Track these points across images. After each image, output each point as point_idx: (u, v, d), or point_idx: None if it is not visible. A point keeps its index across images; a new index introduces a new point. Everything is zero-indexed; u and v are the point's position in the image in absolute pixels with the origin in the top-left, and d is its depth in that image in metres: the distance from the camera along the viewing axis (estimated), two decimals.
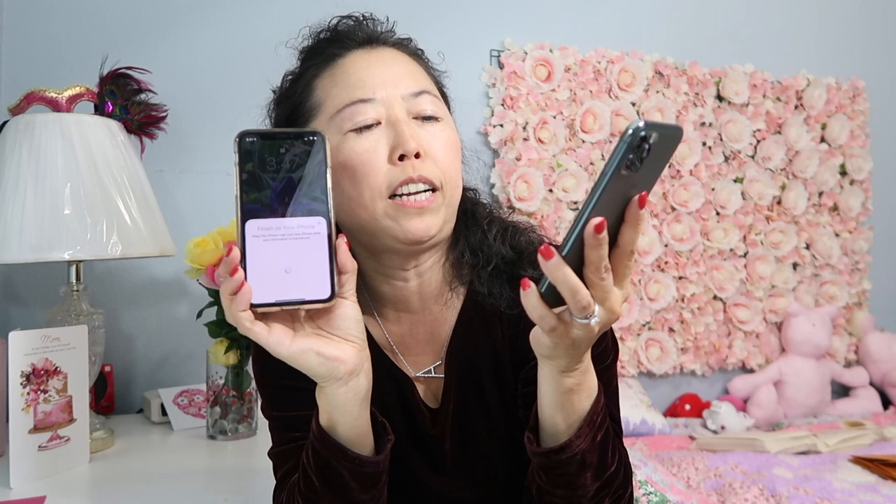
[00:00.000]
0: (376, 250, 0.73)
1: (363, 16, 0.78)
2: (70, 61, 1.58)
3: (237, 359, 1.31)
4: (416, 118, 0.71)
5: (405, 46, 0.78)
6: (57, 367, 1.10)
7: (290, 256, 0.56)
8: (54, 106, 1.24)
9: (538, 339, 0.58)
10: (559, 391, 0.61)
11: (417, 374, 0.78)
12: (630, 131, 0.48)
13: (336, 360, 0.59)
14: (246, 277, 0.54)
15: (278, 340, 0.57)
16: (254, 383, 1.34)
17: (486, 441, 0.75)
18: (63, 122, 1.19)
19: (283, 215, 0.57)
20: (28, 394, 1.07)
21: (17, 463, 1.05)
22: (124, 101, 1.33)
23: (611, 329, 0.76)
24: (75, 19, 1.62)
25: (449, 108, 0.79)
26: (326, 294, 0.57)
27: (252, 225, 0.56)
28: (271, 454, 0.76)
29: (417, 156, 0.68)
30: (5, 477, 1.05)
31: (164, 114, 1.38)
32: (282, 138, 0.58)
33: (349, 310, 0.60)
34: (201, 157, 1.69)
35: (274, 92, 0.81)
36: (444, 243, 0.76)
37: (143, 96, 1.35)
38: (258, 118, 0.81)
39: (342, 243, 0.59)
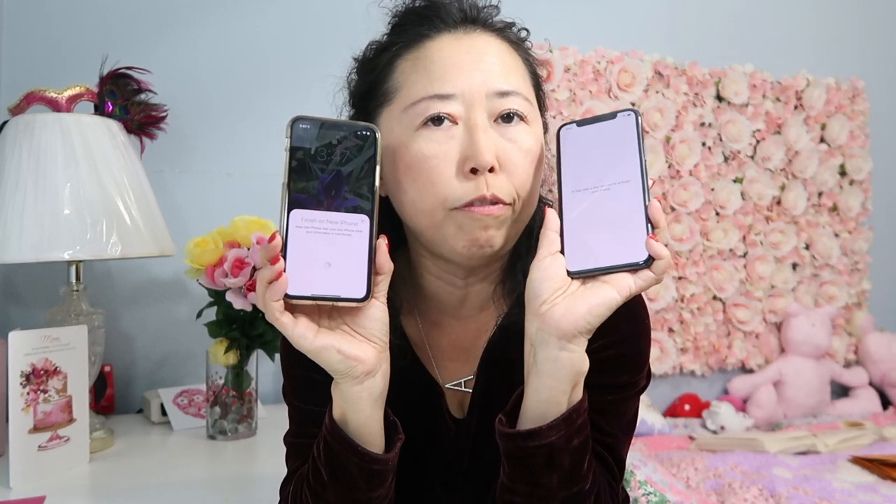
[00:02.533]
0: (434, 252, 0.70)
1: None
2: (70, 61, 1.58)
3: (237, 359, 1.31)
4: (497, 119, 0.65)
5: (504, 33, 0.70)
6: (57, 367, 1.10)
7: (331, 251, 0.56)
8: (54, 106, 1.24)
9: (601, 306, 0.56)
10: (568, 376, 0.59)
11: (447, 386, 0.76)
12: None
13: (355, 359, 0.58)
14: (286, 267, 0.54)
15: (302, 334, 0.56)
16: (253, 383, 1.35)
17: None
18: (63, 122, 1.19)
19: (329, 209, 0.56)
20: (28, 394, 1.07)
21: (17, 463, 1.05)
22: (124, 101, 1.33)
23: (648, 364, 0.74)
24: (75, 19, 1.62)
25: (542, 107, 0.73)
26: (362, 294, 0.56)
27: (297, 215, 0.55)
28: (287, 441, 0.75)
29: (491, 170, 0.62)
30: (5, 477, 1.05)
31: (164, 114, 1.38)
32: (336, 128, 0.57)
33: (377, 311, 0.59)
34: (201, 157, 1.69)
35: (356, 59, 0.74)
36: (503, 258, 0.73)
37: (143, 96, 1.35)
38: (335, 86, 0.75)
39: (382, 244, 0.58)
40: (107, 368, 1.51)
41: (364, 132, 0.58)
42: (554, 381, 0.59)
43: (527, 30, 0.75)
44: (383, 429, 0.64)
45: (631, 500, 1.43)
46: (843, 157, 2.31)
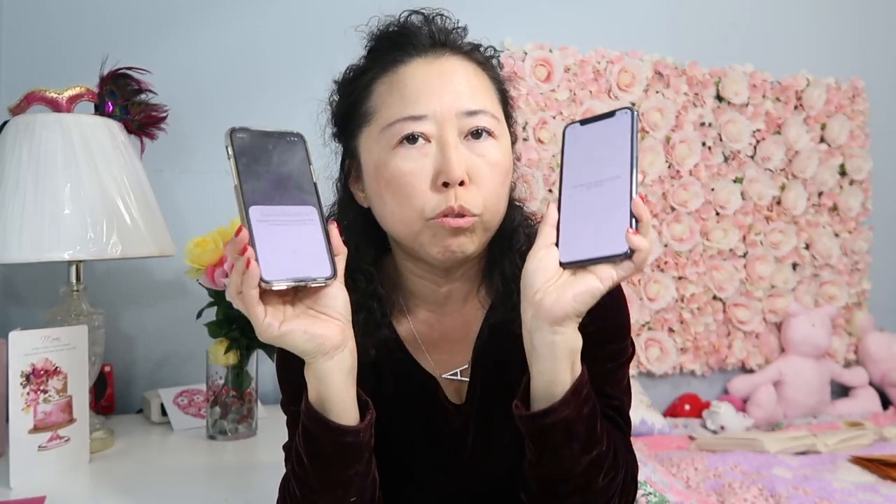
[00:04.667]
0: (414, 255, 0.76)
1: (433, 13, 0.77)
2: (70, 61, 1.58)
3: (237, 359, 1.31)
4: (467, 136, 0.71)
5: (472, 55, 0.76)
6: (57, 367, 1.10)
7: (292, 239, 0.61)
8: (54, 106, 1.24)
9: (586, 294, 0.61)
10: (565, 355, 0.64)
11: (444, 376, 0.80)
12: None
13: (322, 336, 0.63)
14: (257, 257, 0.58)
15: (269, 323, 0.60)
16: (253, 384, 1.35)
17: (510, 440, 0.76)
18: (63, 122, 1.19)
19: (280, 203, 0.61)
20: (28, 394, 1.07)
21: (17, 463, 1.05)
22: (124, 101, 1.33)
23: (631, 335, 0.81)
24: (75, 19, 1.62)
25: (510, 125, 0.80)
26: (329, 272, 0.62)
27: (256, 210, 0.60)
28: (285, 447, 0.78)
29: (462, 183, 0.69)
30: (5, 477, 1.05)
31: (164, 114, 1.38)
32: (268, 137, 0.63)
33: (338, 290, 0.64)
34: (201, 157, 1.69)
35: (336, 82, 0.80)
36: (480, 259, 0.79)
37: (143, 96, 1.35)
38: (317, 109, 0.81)
39: (334, 228, 0.64)
40: (107, 368, 1.51)
41: (292, 138, 0.64)
42: (553, 361, 0.64)
43: (494, 48, 0.81)
44: (357, 406, 0.68)
45: None
46: (843, 156, 2.31)
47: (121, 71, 1.32)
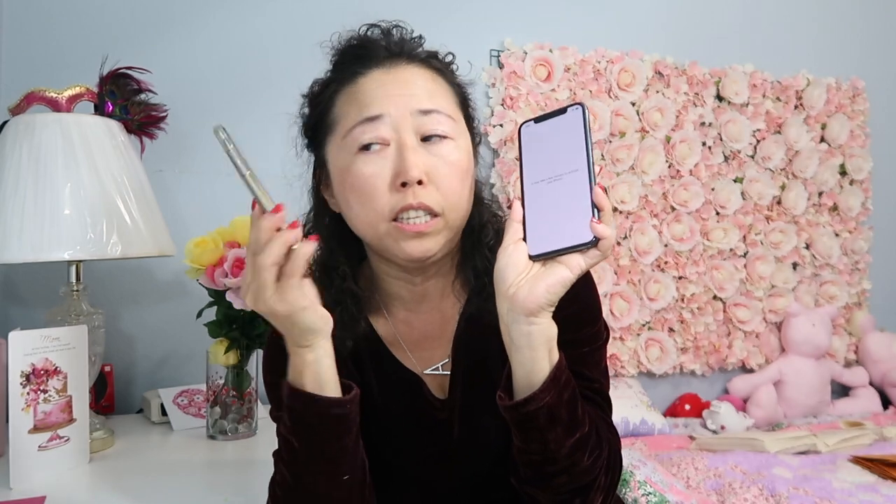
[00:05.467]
0: (386, 257, 0.79)
1: (390, 26, 0.81)
2: (70, 61, 1.58)
3: (237, 359, 1.31)
4: (425, 138, 0.74)
5: (428, 62, 0.79)
6: (57, 367, 1.10)
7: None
8: (54, 106, 1.24)
9: (557, 284, 0.64)
10: (542, 344, 0.66)
11: (425, 372, 0.83)
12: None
13: (326, 317, 0.67)
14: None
15: (303, 293, 0.65)
16: (254, 383, 1.35)
17: (495, 430, 0.78)
18: (63, 122, 1.19)
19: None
20: (28, 394, 1.07)
21: (17, 463, 1.05)
22: (124, 101, 1.33)
23: (602, 318, 0.84)
24: (75, 19, 1.62)
25: (471, 126, 0.82)
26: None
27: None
28: (275, 454, 0.78)
29: (420, 182, 0.71)
30: (5, 477, 1.05)
31: (164, 114, 1.38)
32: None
33: (310, 284, 0.67)
34: (201, 157, 1.69)
35: (304, 96, 0.84)
36: (451, 256, 0.81)
37: (143, 96, 1.35)
38: (286, 124, 0.85)
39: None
40: (107, 368, 1.51)
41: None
42: (531, 351, 0.66)
43: (452, 54, 0.84)
44: (339, 387, 0.70)
45: (630, 500, 1.43)
46: (843, 156, 2.31)
47: (120, 71, 1.32)
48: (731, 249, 2.18)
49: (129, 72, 1.33)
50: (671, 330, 2.13)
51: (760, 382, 2.14)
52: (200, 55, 1.70)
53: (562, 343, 0.69)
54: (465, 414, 0.81)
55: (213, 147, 1.83)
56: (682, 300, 2.13)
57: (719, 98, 2.18)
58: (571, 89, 2.02)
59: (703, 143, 2.15)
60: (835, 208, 2.32)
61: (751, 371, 2.21)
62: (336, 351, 0.70)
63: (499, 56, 1.99)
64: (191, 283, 1.58)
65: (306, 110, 0.84)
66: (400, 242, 0.73)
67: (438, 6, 1.90)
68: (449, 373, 0.82)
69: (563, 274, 0.64)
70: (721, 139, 2.17)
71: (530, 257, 0.66)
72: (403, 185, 0.71)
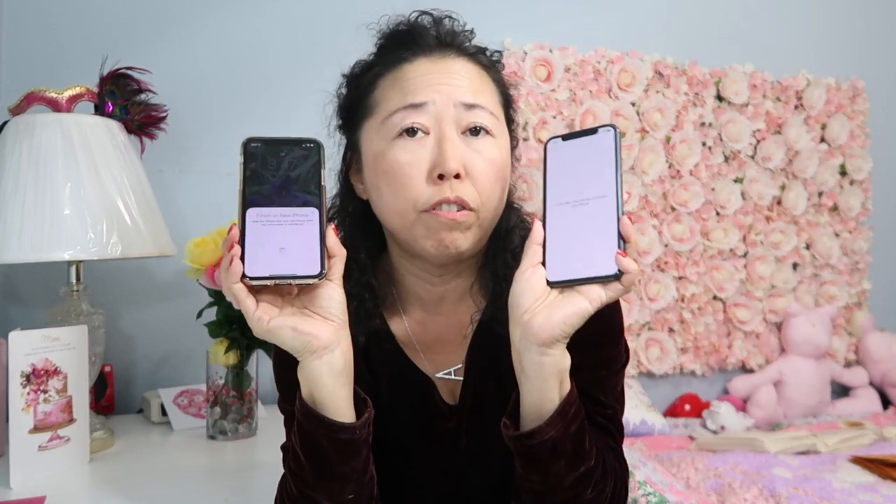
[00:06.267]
0: (409, 252, 0.77)
1: (442, 16, 0.78)
2: (70, 61, 1.58)
3: (237, 359, 1.31)
4: (465, 132, 0.72)
5: (476, 58, 0.77)
6: (57, 367, 1.10)
7: (284, 238, 0.61)
8: (54, 106, 1.24)
9: (575, 315, 0.61)
10: (553, 375, 0.64)
11: (438, 375, 0.81)
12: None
13: (309, 334, 0.63)
14: (243, 254, 0.60)
15: (259, 317, 0.61)
16: (253, 384, 1.35)
17: (503, 440, 0.76)
18: (63, 122, 1.19)
19: (280, 205, 0.62)
20: (28, 394, 1.07)
21: (17, 463, 1.05)
22: (124, 101, 1.33)
23: (625, 337, 0.80)
24: (75, 19, 1.62)
25: (511, 128, 0.81)
26: (316, 271, 0.61)
27: (252, 212, 0.61)
28: (283, 447, 0.78)
29: (457, 176, 0.69)
30: (5, 477, 1.05)
31: (164, 114, 1.38)
32: (283, 143, 0.64)
33: (333, 291, 0.64)
34: (201, 157, 1.69)
35: (344, 76, 0.82)
36: (475, 259, 0.79)
37: (143, 96, 1.35)
38: (323, 101, 0.83)
39: (331, 230, 0.64)
40: (107, 368, 1.51)
41: (308, 144, 0.64)
42: (542, 382, 0.64)
43: (499, 52, 0.82)
44: (353, 406, 0.68)
45: (630, 500, 1.43)
46: (843, 156, 2.31)
47: (121, 71, 1.32)
48: (731, 249, 2.18)
49: (129, 72, 1.32)
50: (671, 330, 2.13)
51: (760, 382, 2.14)
52: (200, 55, 1.70)
53: (578, 365, 0.66)
54: (474, 423, 0.79)
55: (213, 147, 1.84)
56: (682, 300, 2.13)
57: (719, 98, 2.18)
58: (571, 89, 2.02)
59: (703, 144, 2.15)
60: (835, 208, 2.32)
61: (751, 371, 2.21)
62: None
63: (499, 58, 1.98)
64: (191, 283, 1.58)
65: (344, 90, 0.81)
66: (431, 233, 0.70)
67: (440, 6, 1.90)
68: (461, 379, 0.80)
69: (582, 305, 0.61)
70: (721, 139, 2.17)
71: (548, 283, 0.63)
72: (440, 177, 0.69)
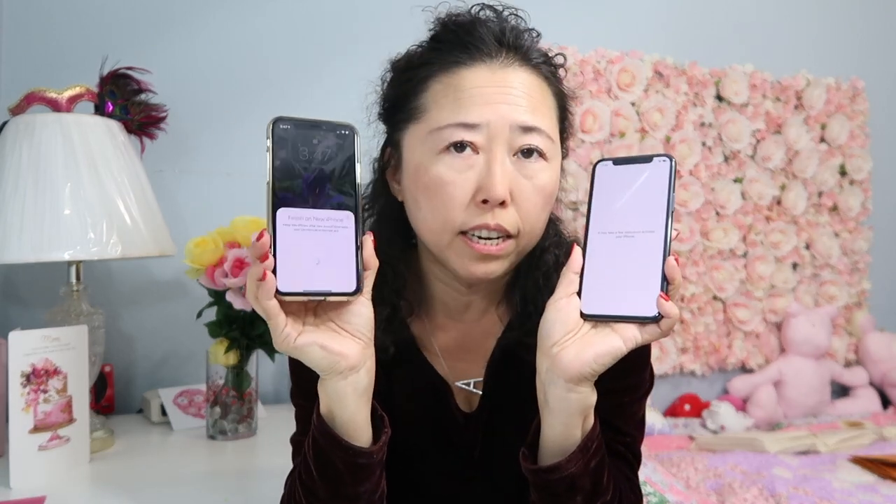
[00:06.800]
0: (439, 261, 0.73)
1: (506, 12, 0.72)
2: (70, 61, 1.58)
3: (237, 359, 1.31)
4: (517, 153, 0.67)
5: (539, 68, 0.72)
6: (57, 367, 1.10)
7: (319, 248, 0.56)
8: (54, 106, 1.24)
9: (607, 355, 0.59)
10: (578, 412, 0.62)
11: (457, 384, 0.79)
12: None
13: (339, 354, 0.59)
14: (276, 265, 0.54)
15: (288, 334, 0.57)
16: (253, 384, 1.35)
17: (516, 455, 0.72)
18: (63, 122, 1.19)
19: (314, 206, 0.57)
20: (28, 394, 1.07)
21: (17, 463, 1.05)
22: (124, 101, 1.33)
23: (651, 363, 0.78)
24: (75, 19, 1.62)
25: (565, 140, 0.76)
26: (352, 288, 0.57)
27: (283, 213, 0.56)
28: (293, 440, 0.77)
29: (502, 204, 0.65)
30: (5, 477, 1.05)
31: (164, 114, 1.38)
32: (315, 128, 0.58)
33: (363, 307, 0.60)
34: (201, 157, 1.69)
35: (391, 62, 0.76)
36: (505, 276, 0.76)
37: (143, 96, 1.35)
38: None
39: (368, 241, 0.59)
40: (107, 368, 1.51)
41: (343, 131, 0.58)
42: (566, 417, 0.62)
43: (563, 55, 0.76)
44: (370, 423, 0.65)
45: None
46: (843, 156, 2.31)
47: (121, 71, 1.32)
48: (730, 249, 2.18)
49: (129, 72, 1.33)
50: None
51: (760, 382, 2.14)
52: (200, 55, 1.70)
53: (602, 391, 0.64)
54: (488, 435, 0.77)
55: (213, 147, 1.84)
56: (682, 300, 2.13)
57: (719, 98, 2.18)
58: (571, 89, 2.02)
59: (703, 144, 2.15)
60: (835, 208, 2.32)
61: (751, 371, 2.21)
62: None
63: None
64: (191, 283, 1.58)
65: (389, 77, 0.75)
66: (464, 259, 0.67)
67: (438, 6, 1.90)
68: (480, 392, 0.78)
69: (616, 345, 0.58)
70: (721, 139, 2.17)
71: (582, 315, 0.60)
72: (484, 202, 0.65)
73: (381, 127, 0.77)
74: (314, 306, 0.60)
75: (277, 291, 0.54)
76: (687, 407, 2.11)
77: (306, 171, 0.57)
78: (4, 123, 1.22)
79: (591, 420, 0.64)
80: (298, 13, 1.78)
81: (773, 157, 2.22)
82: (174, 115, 1.40)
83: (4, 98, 1.40)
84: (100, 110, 1.31)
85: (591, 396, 0.62)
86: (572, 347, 0.59)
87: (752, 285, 2.20)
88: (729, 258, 2.18)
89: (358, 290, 0.57)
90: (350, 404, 0.62)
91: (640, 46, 2.10)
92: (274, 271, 0.54)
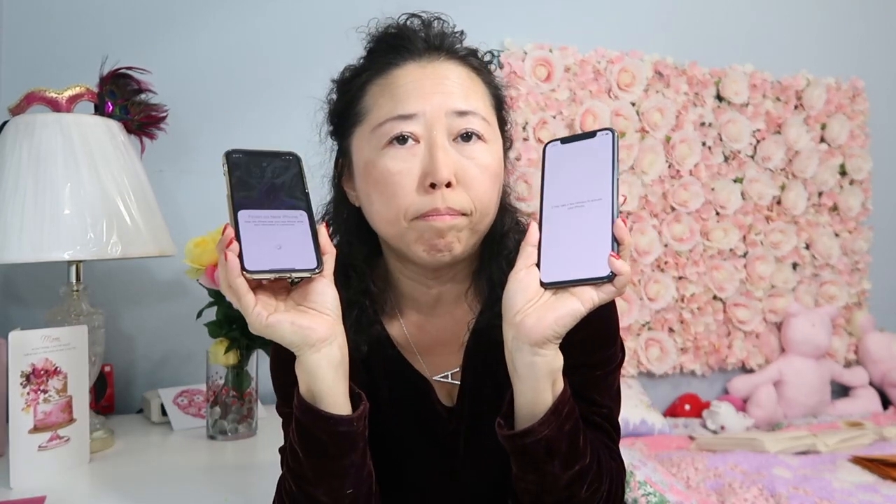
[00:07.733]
0: (402, 256, 0.77)
1: (431, 18, 0.78)
2: (70, 61, 1.58)
3: (237, 359, 1.31)
4: (456, 138, 0.71)
5: (467, 60, 0.76)
6: (57, 367, 1.10)
7: (279, 236, 0.63)
8: (54, 106, 1.24)
9: (567, 316, 0.62)
10: (546, 375, 0.65)
11: (435, 378, 0.81)
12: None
13: (307, 328, 0.64)
14: (241, 251, 0.61)
15: (259, 312, 0.62)
16: (253, 383, 1.35)
17: (500, 443, 0.76)
18: (63, 122, 1.19)
19: (270, 208, 0.64)
20: (28, 394, 1.07)
21: (17, 463, 1.05)
22: (124, 101, 1.33)
23: (620, 336, 0.81)
24: (75, 20, 1.62)
25: (504, 130, 0.80)
26: (313, 265, 0.63)
27: (244, 213, 0.63)
28: (281, 450, 0.78)
29: (449, 185, 0.69)
30: (5, 477, 1.05)
31: (164, 114, 1.37)
32: (263, 156, 0.66)
33: (326, 287, 0.66)
34: (201, 157, 1.69)
35: (334, 81, 0.81)
36: (470, 262, 0.79)
37: (143, 96, 1.35)
38: (314, 108, 0.82)
39: (322, 228, 0.66)
40: (107, 368, 1.51)
41: (287, 157, 0.67)
42: (534, 381, 0.65)
43: (492, 52, 0.82)
44: (349, 399, 0.68)
45: (630, 500, 1.43)
46: (843, 156, 2.31)
47: (121, 71, 1.32)
48: (731, 249, 2.18)
49: (129, 72, 1.32)
50: (671, 330, 2.13)
51: (760, 382, 2.14)
52: (200, 55, 1.70)
53: (574, 366, 0.67)
54: (471, 425, 0.79)
55: (213, 147, 1.83)
56: (682, 300, 2.13)
57: (719, 98, 2.18)
58: (571, 89, 2.02)
59: (703, 143, 2.15)
60: (835, 208, 2.32)
61: (751, 371, 2.21)
62: (349, 355, 0.68)
63: (499, 56, 1.99)
64: (191, 283, 1.58)
65: (334, 96, 0.80)
66: (423, 236, 0.70)
67: (438, 6, 1.90)
68: (458, 382, 0.80)
69: (575, 307, 0.62)
70: (721, 139, 2.17)
71: (542, 284, 0.63)
72: (432, 186, 0.69)
73: (333, 145, 0.82)
74: (283, 294, 0.66)
75: (244, 269, 0.60)
76: (687, 407, 2.11)
77: (260, 183, 0.65)
78: (4, 123, 1.22)
79: (561, 384, 0.66)
80: (298, 13, 1.78)
81: (773, 156, 2.22)
82: (174, 115, 1.40)
83: (4, 98, 1.41)
84: (100, 110, 1.30)
85: (557, 359, 0.65)
86: (534, 314, 0.63)
87: (752, 285, 2.20)
88: (729, 258, 2.18)
89: (319, 267, 0.63)
90: (327, 377, 0.66)
91: (640, 46, 2.10)
92: (241, 257, 0.60)
